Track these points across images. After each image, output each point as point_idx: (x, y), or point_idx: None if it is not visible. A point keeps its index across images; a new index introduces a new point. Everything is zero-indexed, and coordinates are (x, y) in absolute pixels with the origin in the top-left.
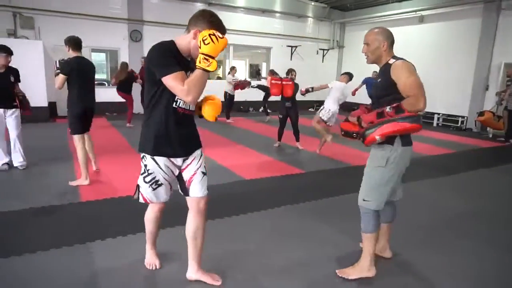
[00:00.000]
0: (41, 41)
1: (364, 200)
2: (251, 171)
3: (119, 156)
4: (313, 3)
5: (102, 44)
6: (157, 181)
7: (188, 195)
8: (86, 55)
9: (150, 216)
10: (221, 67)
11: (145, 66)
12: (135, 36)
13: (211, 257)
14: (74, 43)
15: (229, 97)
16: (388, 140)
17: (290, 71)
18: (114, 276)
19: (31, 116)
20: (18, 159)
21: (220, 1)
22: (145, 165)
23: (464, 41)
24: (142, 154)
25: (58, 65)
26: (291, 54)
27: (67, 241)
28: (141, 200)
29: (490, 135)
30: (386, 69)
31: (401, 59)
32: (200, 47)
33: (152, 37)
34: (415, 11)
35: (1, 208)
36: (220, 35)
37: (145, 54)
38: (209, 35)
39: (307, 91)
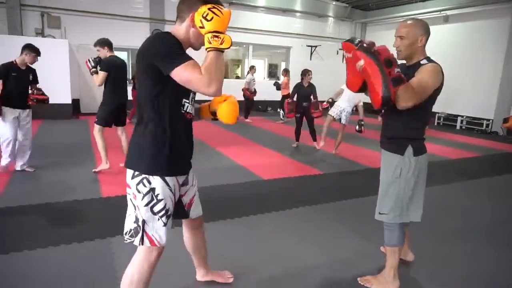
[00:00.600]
0: (67, 40)
1: (380, 214)
2: (269, 171)
3: None
4: (334, 3)
5: (124, 43)
6: (167, 210)
7: (187, 217)
8: None
9: (146, 275)
10: (240, 66)
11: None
12: None
13: (226, 257)
14: (108, 44)
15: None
16: (398, 149)
17: (305, 72)
18: None
19: (54, 109)
20: (23, 161)
21: (241, 0)
22: (152, 189)
23: (491, 42)
24: (140, 177)
25: (93, 64)
26: (311, 54)
27: (89, 236)
28: (148, 244)
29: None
30: (414, 67)
31: (435, 62)
32: (203, 27)
33: None
34: (440, 10)
35: (24, 203)
36: (222, 7)
37: None
38: (209, 9)
39: (329, 103)
